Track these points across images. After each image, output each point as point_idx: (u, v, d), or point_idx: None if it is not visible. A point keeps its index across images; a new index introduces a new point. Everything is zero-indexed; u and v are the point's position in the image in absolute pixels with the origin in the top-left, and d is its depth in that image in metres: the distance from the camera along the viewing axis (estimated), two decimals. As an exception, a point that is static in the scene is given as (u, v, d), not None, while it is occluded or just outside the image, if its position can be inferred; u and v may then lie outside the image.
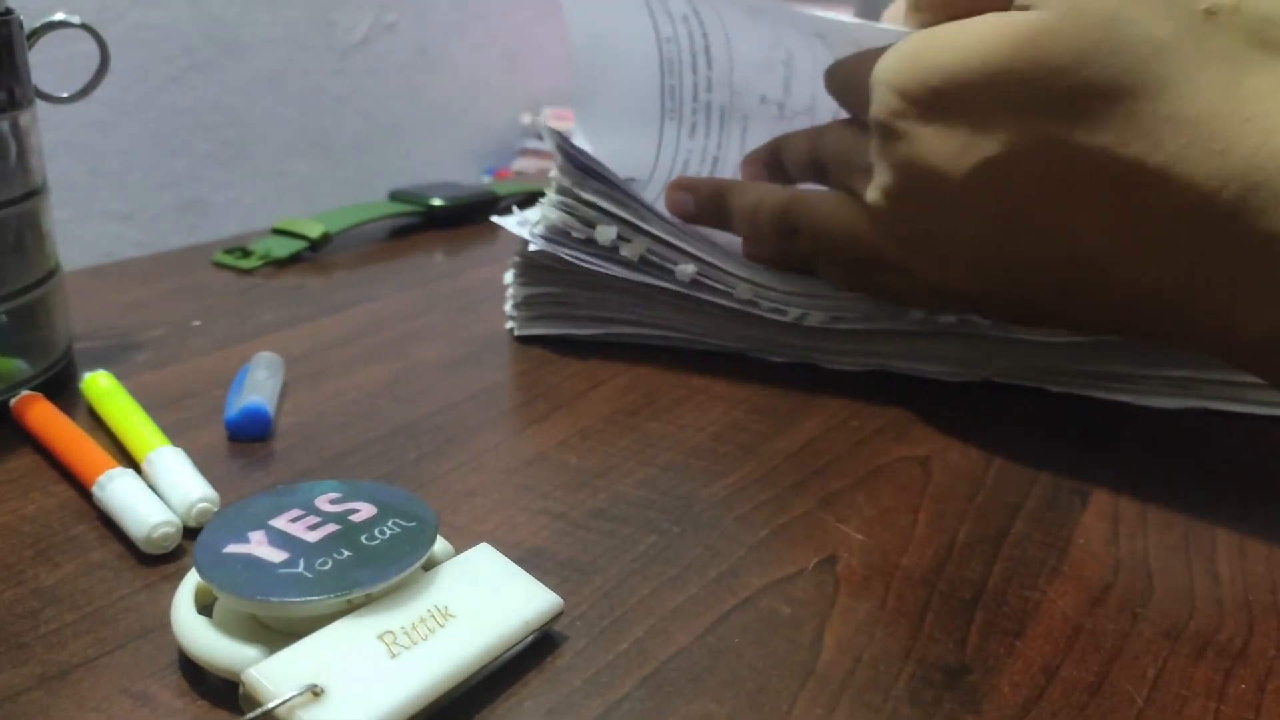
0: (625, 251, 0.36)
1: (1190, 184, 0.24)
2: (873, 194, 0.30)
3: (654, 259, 0.36)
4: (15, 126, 0.31)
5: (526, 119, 1.05)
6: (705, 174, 0.44)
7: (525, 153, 1.05)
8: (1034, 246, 0.28)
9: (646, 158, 0.45)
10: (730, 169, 0.44)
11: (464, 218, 0.57)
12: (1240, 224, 0.24)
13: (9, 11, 0.32)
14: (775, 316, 0.36)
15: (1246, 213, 0.24)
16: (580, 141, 0.44)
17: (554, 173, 0.37)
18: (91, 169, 0.72)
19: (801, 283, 0.36)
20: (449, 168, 1.03)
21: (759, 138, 0.42)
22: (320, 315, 0.41)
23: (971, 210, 0.28)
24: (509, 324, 0.39)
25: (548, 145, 0.37)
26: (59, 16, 0.35)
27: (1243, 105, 0.24)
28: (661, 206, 0.38)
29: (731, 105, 0.43)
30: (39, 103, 0.34)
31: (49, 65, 0.33)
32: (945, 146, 0.28)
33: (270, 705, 0.17)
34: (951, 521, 0.27)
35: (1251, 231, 0.24)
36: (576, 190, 0.36)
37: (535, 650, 0.21)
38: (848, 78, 0.34)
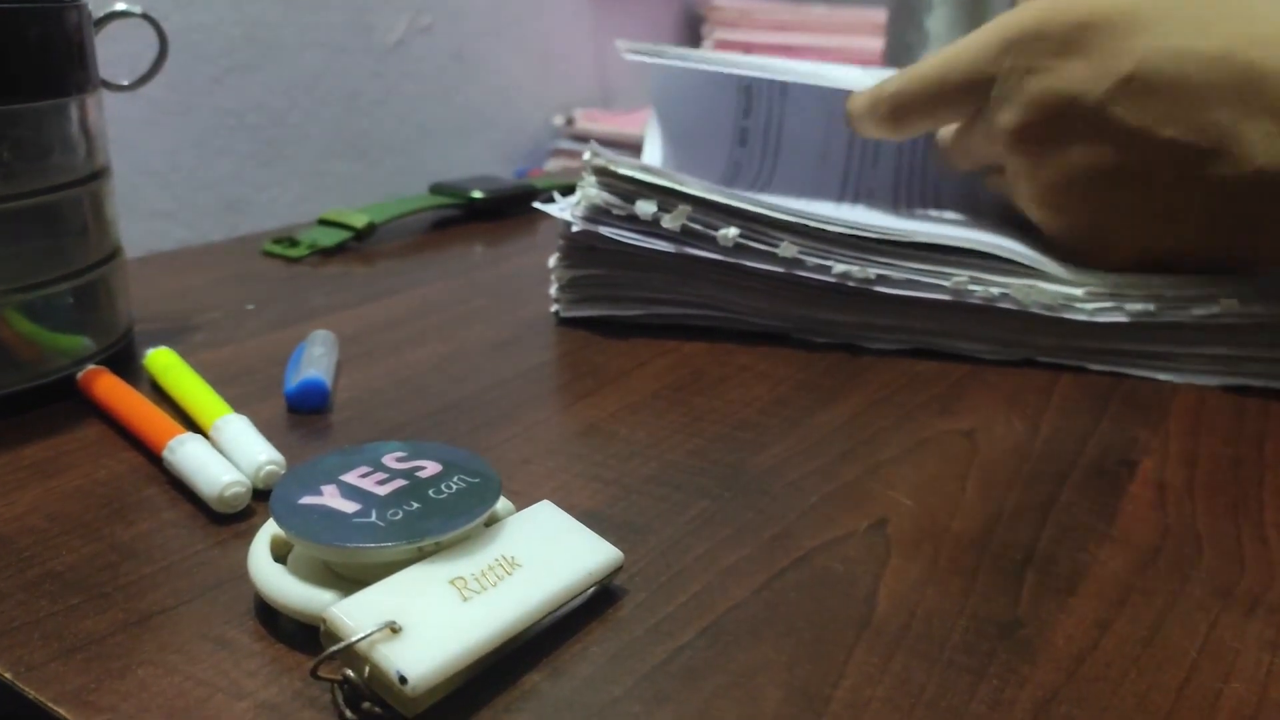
0: (666, 223, 0.36)
1: None
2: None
3: (696, 227, 0.37)
4: (83, 110, 0.33)
5: (558, 120, 1.06)
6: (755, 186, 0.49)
7: (557, 153, 1.06)
8: None
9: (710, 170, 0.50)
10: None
11: (503, 210, 0.58)
12: None
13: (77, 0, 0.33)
14: (819, 276, 0.37)
15: None
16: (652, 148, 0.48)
17: (588, 154, 0.37)
18: (137, 167, 0.74)
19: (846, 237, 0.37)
20: (482, 168, 1.04)
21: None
22: (368, 300, 0.42)
23: None
24: (554, 306, 0.40)
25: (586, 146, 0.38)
26: (120, 6, 0.36)
27: None
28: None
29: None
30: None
31: (101, 60, 0.34)
32: None
33: (352, 639, 0.18)
34: (999, 490, 0.28)
35: None
36: (613, 167, 0.37)
37: (596, 603, 0.22)
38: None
